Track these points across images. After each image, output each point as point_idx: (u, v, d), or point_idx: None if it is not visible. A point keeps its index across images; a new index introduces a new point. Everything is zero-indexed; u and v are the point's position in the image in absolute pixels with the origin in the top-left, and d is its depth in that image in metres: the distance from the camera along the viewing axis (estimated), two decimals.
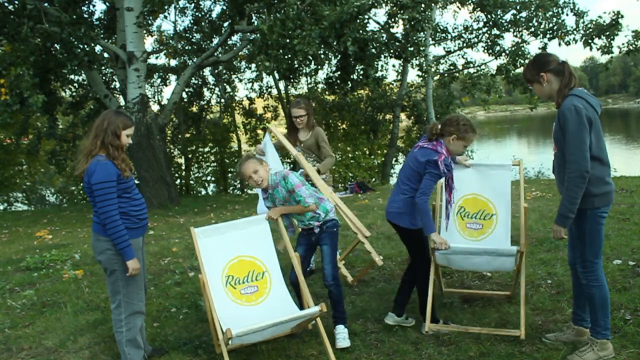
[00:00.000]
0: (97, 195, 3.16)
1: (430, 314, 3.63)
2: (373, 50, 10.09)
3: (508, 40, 57.21)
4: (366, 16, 10.13)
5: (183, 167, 18.15)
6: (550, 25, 14.50)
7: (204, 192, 18.50)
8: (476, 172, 4.01)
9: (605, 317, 3.10)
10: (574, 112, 2.90)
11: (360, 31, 9.54)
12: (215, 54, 12.68)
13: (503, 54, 15.70)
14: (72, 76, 13.34)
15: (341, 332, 3.61)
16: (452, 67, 17.85)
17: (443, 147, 3.54)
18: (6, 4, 10.72)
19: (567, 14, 14.31)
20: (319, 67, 10.74)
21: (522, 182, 3.94)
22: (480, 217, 3.93)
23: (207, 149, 18.43)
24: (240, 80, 19.11)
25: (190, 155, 18.00)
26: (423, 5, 10.24)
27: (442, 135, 3.56)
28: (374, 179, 17.34)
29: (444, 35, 17.18)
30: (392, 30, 13.52)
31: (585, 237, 3.04)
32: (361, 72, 10.38)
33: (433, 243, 3.50)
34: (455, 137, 3.53)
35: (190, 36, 15.69)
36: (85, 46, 10.28)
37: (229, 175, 19.00)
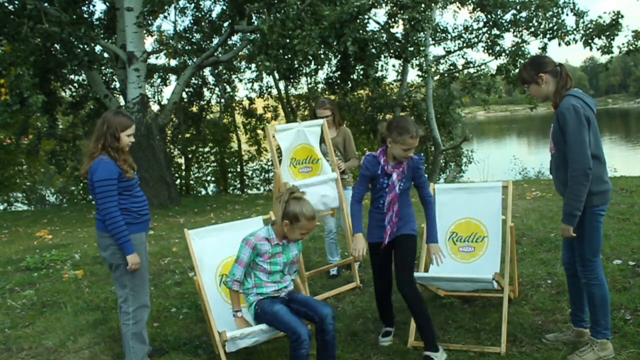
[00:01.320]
0: (98, 192, 3.21)
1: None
2: (373, 50, 10.08)
3: (508, 40, 57.20)
4: (366, 16, 10.12)
5: (183, 167, 18.15)
6: (550, 25, 14.49)
7: (204, 192, 18.50)
8: (467, 195, 4.04)
9: (605, 317, 3.10)
10: (572, 111, 2.93)
11: (360, 31, 9.53)
12: (215, 54, 12.67)
13: (503, 54, 15.69)
14: (72, 76, 13.32)
15: None
16: (452, 67, 17.84)
17: (382, 151, 3.45)
18: (6, 4, 10.71)
19: (567, 14, 14.30)
20: (319, 67, 10.72)
21: (510, 203, 3.90)
22: (473, 240, 3.97)
23: (207, 149, 18.43)
24: (240, 80, 19.10)
25: (190, 155, 18.00)
26: (423, 5, 10.23)
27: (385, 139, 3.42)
28: None
29: (444, 35, 17.16)
30: (392, 30, 13.51)
31: (584, 236, 3.05)
32: (361, 72, 10.37)
33: (353, 249, 3.49)
34: (392, 141, 3.35)
35: (190, 36, 15.68)
36: (85, 46, 10.27)
37: (229, 175, 19.00)
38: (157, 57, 20.55)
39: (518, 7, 14.89)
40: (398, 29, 13.78)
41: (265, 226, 3.42)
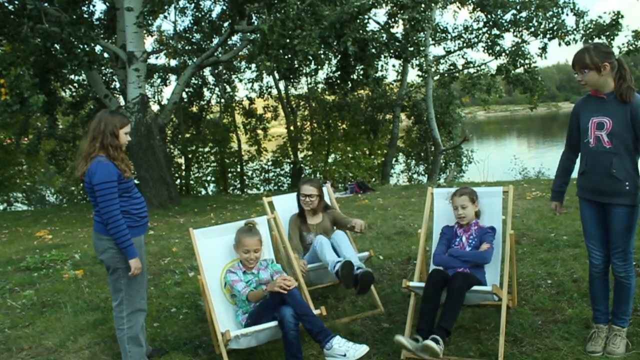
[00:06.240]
0: (99, 195, 3.17)
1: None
2: (373, 50, 10.09)
3: (508, 40, 57.29)
4: (366, 16, 10.13)
5: (183, 167, 18.17)
6: (550, 25, 14.54)
7: (204, 192, 18.52)
8: None
9: (630, 306, 3.23)
10: None
11: (360, 31, 9.55)
12: (215, 54, 12.68)
13: (503, 54, 15.73)
14: (72, 76, 13.33)
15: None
16: (452, 67, 17.87)
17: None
18: (6, 4, 10.70)
19: (567, 14, 14.35)
20: (319, 67, 10.73)
21: (510, 209, 3.81)
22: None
23: (207, 149, 18.46)
24: (240, 80, 19.15)
25: (190, 155, 18.01)
26: (423, 5, 10.24)
27: None
28: (374, 179, 17.36)
29: (444, 35, 17.21)
30: (392, 30, 13.52)
31: (631, 229, 3.10)
32: (361, 72, 10.39)
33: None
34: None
35: (190, 36, 15.70)
36: (85, 46, 10.27)
37: (229, 175, 19.02)
38: (157, 57, 20.63)
39: (518, 7, 14.92)
40: (398, 29, 13.80)
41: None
